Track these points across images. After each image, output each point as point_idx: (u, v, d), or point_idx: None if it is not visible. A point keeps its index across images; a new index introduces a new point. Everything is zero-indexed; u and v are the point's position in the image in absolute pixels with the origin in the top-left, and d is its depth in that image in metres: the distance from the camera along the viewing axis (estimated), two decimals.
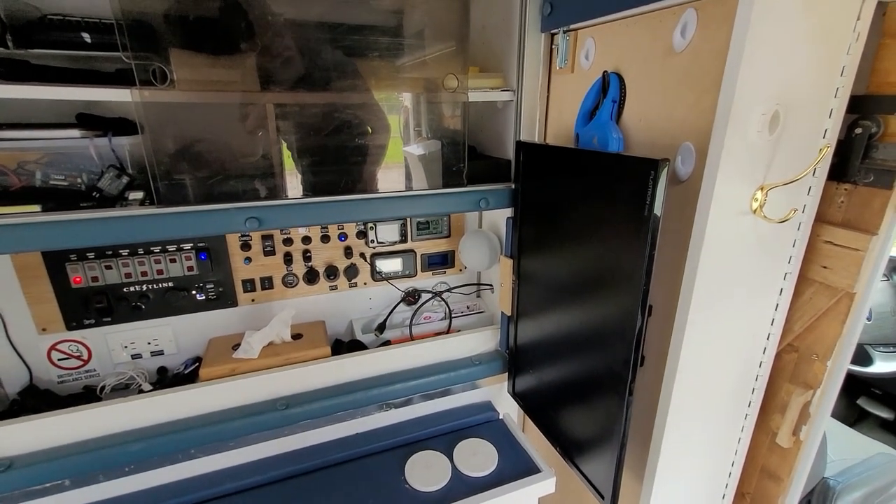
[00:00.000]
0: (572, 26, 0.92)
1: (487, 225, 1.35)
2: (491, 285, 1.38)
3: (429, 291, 1.38)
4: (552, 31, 0.98)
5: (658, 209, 0.64)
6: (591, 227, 0.80)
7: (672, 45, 0.71)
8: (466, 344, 1.21)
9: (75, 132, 0.81)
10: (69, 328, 1.02)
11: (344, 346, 1.22)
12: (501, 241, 1.25)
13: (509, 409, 1.28)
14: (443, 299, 1.35)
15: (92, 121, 0.89)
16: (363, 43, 0.93)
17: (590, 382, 0.85)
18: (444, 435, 1.17)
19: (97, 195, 0.83)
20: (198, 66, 0.82)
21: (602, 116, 0.84)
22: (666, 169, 0.62)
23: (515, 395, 1.17)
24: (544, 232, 0.96)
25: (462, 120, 1.02)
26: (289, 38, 0.87)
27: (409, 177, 1.04)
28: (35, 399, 1.00)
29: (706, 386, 0.79)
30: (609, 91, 0.83)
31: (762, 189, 0.67)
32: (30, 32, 0.78)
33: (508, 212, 1.09)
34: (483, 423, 1.22)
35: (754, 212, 0.68)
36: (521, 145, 0.98)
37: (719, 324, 0.74)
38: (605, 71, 0.84)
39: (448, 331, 1.32)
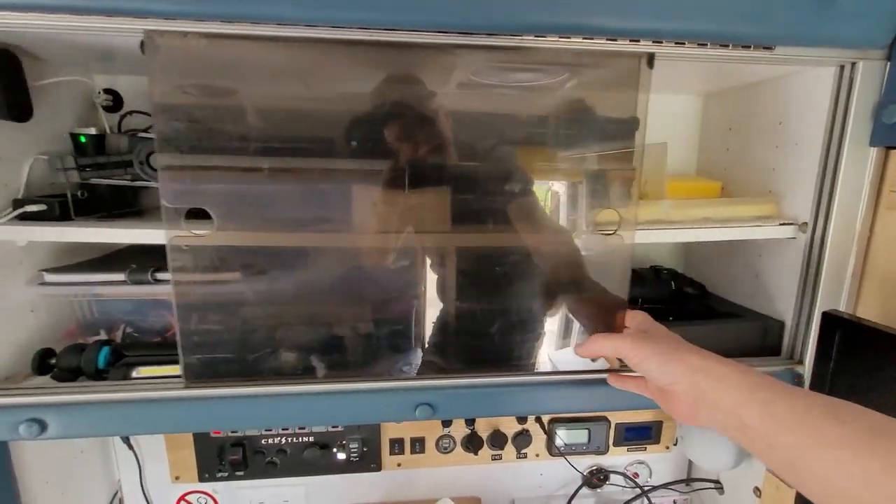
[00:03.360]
0: None
1: None
2: (718, 483, 0.95)
3: (620, 474, 1.00)
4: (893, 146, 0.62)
5: None
6: None
7: None
8: None
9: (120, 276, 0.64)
10: (201, 479, 0.88)
11: None
12: None
13: None
14: (643, 492, 0.96)
15: None
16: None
17: None
18: None
19: None
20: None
21: None
22: None
23: None
24: None
25: None
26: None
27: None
28: None
29: None
30: None
31: None
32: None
33: None
34: None
35: None
36: (837, 322, 0.61)
37: None
38: None
39: None
